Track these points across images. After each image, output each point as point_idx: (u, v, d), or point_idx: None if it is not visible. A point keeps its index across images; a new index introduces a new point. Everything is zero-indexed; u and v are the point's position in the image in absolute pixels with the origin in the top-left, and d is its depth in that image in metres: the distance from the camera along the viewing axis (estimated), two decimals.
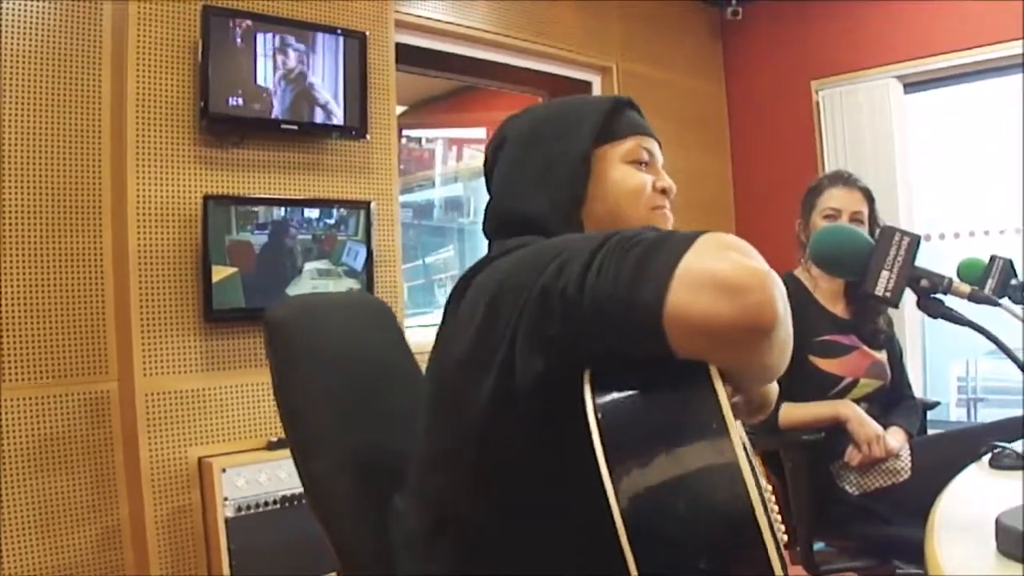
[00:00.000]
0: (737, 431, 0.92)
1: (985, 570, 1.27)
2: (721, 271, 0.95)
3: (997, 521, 1.32)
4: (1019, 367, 1.40)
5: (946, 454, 2.57)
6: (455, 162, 7.85)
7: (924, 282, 1.43)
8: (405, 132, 7.62)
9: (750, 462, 0.95)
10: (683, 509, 0.89)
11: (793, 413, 2.81)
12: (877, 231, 1.48)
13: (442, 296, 7.74)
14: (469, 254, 7.79)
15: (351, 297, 3.05)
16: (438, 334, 1.34)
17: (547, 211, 1.42)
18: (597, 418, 0.94)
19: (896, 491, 2.74)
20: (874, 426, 2.79)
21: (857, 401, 2.90)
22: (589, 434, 0.93)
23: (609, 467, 0.90)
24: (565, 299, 1.04)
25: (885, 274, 1.40)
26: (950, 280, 1.44)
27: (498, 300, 1.16)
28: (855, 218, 3.00)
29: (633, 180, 1.47)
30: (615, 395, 0.98)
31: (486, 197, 1.57)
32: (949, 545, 1.38)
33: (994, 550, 1.31)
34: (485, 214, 1.55)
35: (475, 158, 7.60)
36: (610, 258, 1.02)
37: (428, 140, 7.83)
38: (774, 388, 1.42)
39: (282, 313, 1.67)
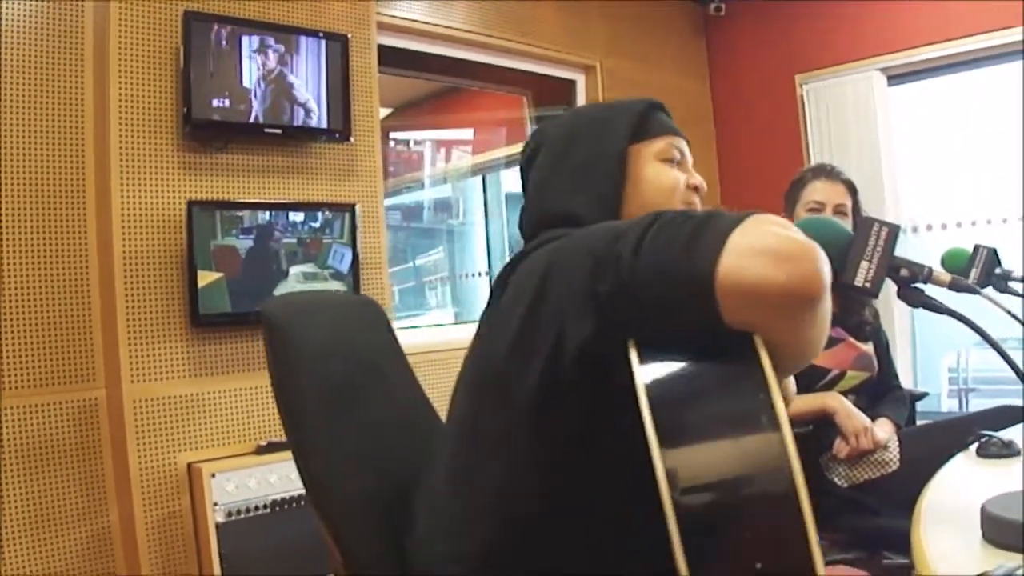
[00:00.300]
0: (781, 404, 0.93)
1: (971, 558, 1.26)
2: (772, 242, 0.99)
3: (982, 509, 1.32)
4: (1002, 356, 1.39)
5: (935, 445, 2.57)
6: (443, 163, 7.84)
7: (904, 271, 1.43)
8: (392, 135, 7.61)
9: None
10: (729, 482, 0.90)
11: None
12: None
13: (433, 298, 7.74)
14: (459, 255, 7.79)
15: (342, 296, 3.04)
16: (480, 327, 1.37)
17: (586, 209, 1.45)
18: (646, 387, 0.95)
19: (885, 483, 2.73)
20: (861, 418, 2.78)
21: (845, 393, 2.89)
22: (629, 414, 0.94)
23: (659, 439, 0.91)
24: (619, 262, 1.06)
25: (864, 264, 1.39)
26: (930, 269, 1.44)
27: (547, 282, 1.19)
28: (839, 211, 3.00)
29: (667, 177, 1.52)
30: (662, 368, 1.00)
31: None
32: (935, 534, 1.38)
33: (979, 538, 1.31)
34: (522, 215, 1.60)
35: (463, 159, 7.60)
36: (665, 229, 1.06)
37: (416, 142, 7.82)
38: (793, 386, 1.44)
39: (279, 310, 1.67)
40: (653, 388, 0.95)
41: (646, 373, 0.97)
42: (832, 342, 2.94)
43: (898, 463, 2.75)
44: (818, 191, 3.03)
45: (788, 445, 0.89)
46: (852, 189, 3.07)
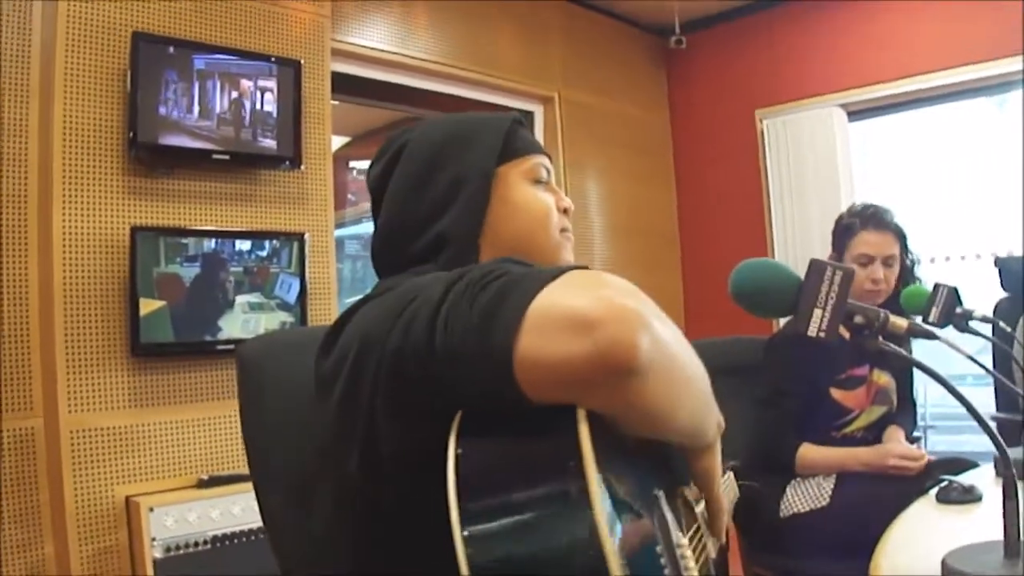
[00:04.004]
0: (596, 474, 0.81)
1: None
2: (575, 307, 0.85)
3: (943, 564, 1.28)
4: (956, 397, 1.35)
5: (868, 488, 2.60)
6: None
7: (859, 318, 1.38)
8: (352, 163, 7.58)
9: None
10: (530, 557, 0.80)
11: (814, 456, 2.76)
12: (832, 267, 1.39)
13: None
14: None
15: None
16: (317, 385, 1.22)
17: (451, 234, 1.35)
18: (456, 458, 0.85)
19: (813, 518, 2.69)
20: (885, 453, 2.74)
21: (862, 428, 2.88)
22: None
23: (460, 514, 0.81)
24: (417, 359, 0.94)
25: (818, 312, 1.31)
26: (886, 315, 1.38)
27: (360, 358, 1.05)
28: (887, 263, 2.93)
29: (540, 202, 1.42)
30: (479, 439, 0.88)
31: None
32: None
33: None
34: (378, 242, 1.45)
35: None
36: (457, 306, 0.92)
37: None
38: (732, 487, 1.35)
39: (253, 349, 1.64)
40: (464, 462, 0.85)
41: (461, 444, 0.87)
42: (859, 382, 2.89)
43: (828, 499, 2.70)
44: (866, 243, 2.95)
45: (599, 523, 0.79)
46: (900, 235, 3.00)
